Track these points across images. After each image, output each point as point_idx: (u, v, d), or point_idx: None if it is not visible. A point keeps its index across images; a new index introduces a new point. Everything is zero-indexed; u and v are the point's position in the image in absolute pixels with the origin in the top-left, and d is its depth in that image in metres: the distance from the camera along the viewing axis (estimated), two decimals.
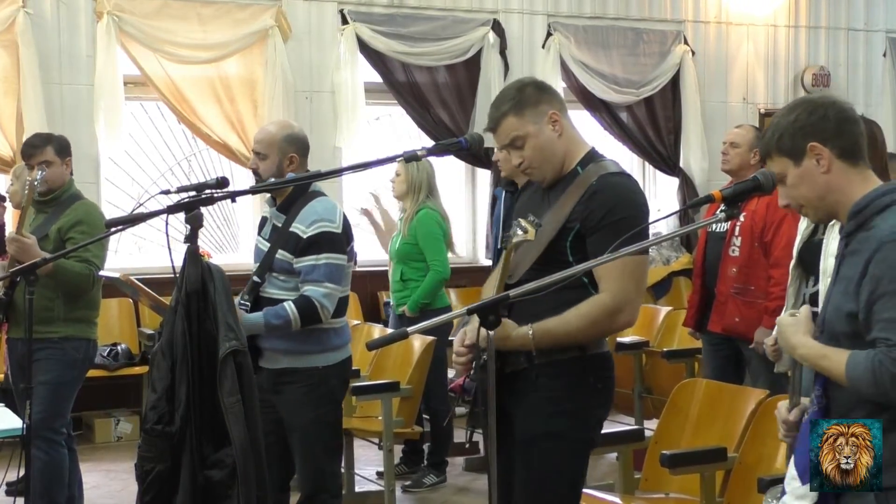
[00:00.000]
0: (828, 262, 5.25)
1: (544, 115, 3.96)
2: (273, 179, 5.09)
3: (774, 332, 5.70)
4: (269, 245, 5.13)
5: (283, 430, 5.13)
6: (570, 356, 3.90)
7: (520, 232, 3.59)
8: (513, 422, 3.87)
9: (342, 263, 5.08)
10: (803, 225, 5.58)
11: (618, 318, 3.86)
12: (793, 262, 5.56)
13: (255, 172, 5.19)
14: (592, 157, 4.01)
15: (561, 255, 3.88)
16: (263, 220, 5.31)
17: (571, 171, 3.98)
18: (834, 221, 5.22)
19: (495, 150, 5.96)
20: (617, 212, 3.84)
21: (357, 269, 9.87)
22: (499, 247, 6.06)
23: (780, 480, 4.15)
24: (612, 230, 3.77)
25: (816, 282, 5.42)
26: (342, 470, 6.98)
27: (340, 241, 5.08)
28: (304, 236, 5.00)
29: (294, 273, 5.02)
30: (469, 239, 10.76)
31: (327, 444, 5.20)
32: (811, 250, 5.44)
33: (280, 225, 5.11)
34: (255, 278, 5.09)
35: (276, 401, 5.07)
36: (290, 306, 4.95)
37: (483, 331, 3.32)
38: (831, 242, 5.27)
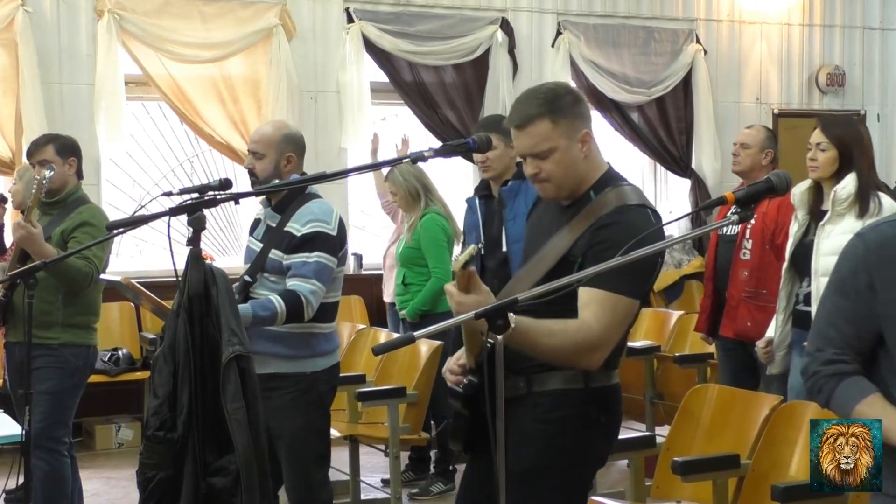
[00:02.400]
0: (820, 261, 5.37)
1: (578, 133, 3.70)
2: (277, 181, 5.07)
3: (768, 334, 5.76)
4: (261, 245, 5.11)
5: (270, 437, 5.02)
6: (571, 387, 3.69)
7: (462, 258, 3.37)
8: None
9: (332, 266, 5.06)
10: (794, 227, 5.68)
11: (595, 353, 3.57)
12: (785, 265, 5.67)
13: (252, 172, 5.18)
14: (609, 180, 3.75)
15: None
16: (256, 222, 5.31)
17: (584, 196, 3.73)
18: (824, 221, 5.40)
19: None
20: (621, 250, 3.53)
21: (363, 272, 10.00)
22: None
23: (794, 487, 4.21)
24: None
25: (810, 282, 5.49)
26: (348, 477, 6.95)
27: (334, 243, 5.06)
28: (298, 234, 5.01)
29: (285, 273, 5.00)
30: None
31: (316, 452, 5.18)
32: (803, 251, 5.54)
33: (274, 225, 5.09)
34: (247, 277, 5.07)
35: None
36: (276, 299, 4.92)
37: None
38: (823, 242, 5.41)
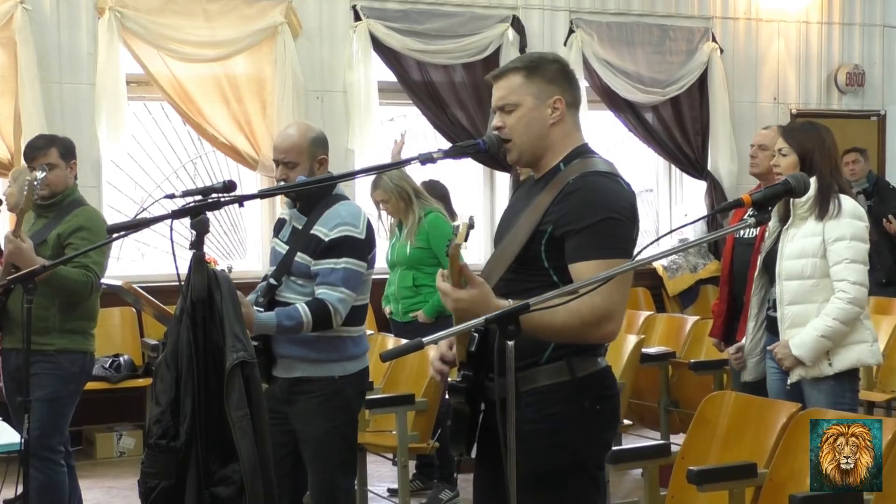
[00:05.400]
0: (783, 265, 5.42)
1: (549, 96, 3.68)
2: (282, 183, 5.04)
3: (742, 341, 5.74)
4: (287, 247, 5.07)
5: (296, 442, 5.06)
6: (559, 381, 3.62)
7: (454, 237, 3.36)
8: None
9: (361, 271, 5.01)
10: (766, 233, 5.70)
11: (606, 325, 3.52)
12: (757, 271, 5.69)
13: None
14: (580, 153, 3.71)
15: (536, 261, 3.61)
16: (281, 223, 5.26)
17: (554, 168, 3.70)
18: (787, 226, 5.40)
19: None
20: (595, 213, 3.52)
21: (371, 276, 9.83)
22: None
23: (812, 497, 4.09)
24: (591, 233, 3.49)
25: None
26: (355, 487, 6.82)
27: (362, 247, 5.02)
28: (326, 239, 4.97)
29: (312, 277, 4.95)
30: (487, 243, 10.52)
31: (342, 458, 5.12)
32: (772, 257, 5.56)
33: (301, 227, 5.05)
34: (272, 280, 5.02)
35: (289, 411, 5.04)
36: (302, 308, 4.88)
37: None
38: (787, 245, 5.43)
